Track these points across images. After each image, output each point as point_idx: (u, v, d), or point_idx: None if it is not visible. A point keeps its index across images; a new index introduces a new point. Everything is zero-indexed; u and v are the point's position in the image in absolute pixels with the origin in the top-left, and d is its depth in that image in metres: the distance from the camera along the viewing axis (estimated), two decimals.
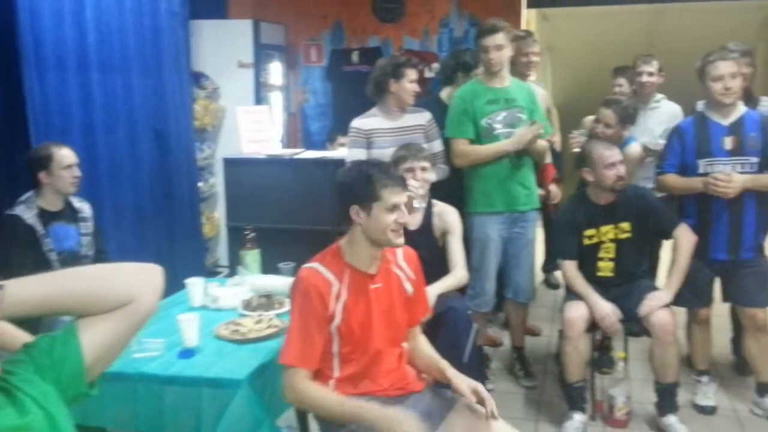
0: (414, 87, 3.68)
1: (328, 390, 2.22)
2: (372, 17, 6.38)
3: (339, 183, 2.29)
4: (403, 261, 2.41)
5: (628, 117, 3.70)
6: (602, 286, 3.34)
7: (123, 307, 1.29)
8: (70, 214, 3.29)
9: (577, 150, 3.97)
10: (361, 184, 2.23)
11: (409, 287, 2.39)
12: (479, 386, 2.22)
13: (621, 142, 3.65)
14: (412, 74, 3.66)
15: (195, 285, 2.96)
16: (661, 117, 4.08)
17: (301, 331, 2.17)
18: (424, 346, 2.47)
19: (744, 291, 3.37)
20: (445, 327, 2.95)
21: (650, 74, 4.13)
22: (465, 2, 6.20)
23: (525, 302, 3.83)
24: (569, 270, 3.38)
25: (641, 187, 3.65)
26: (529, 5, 6.17)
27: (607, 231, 3.35)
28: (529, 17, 6.63)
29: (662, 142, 3.75)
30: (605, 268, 3.40)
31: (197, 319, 2.50)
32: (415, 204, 3.22)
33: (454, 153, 3.62)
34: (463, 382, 2.24)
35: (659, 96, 4.21)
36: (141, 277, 1.35)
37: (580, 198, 3.43)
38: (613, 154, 3.29)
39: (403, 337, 2.41)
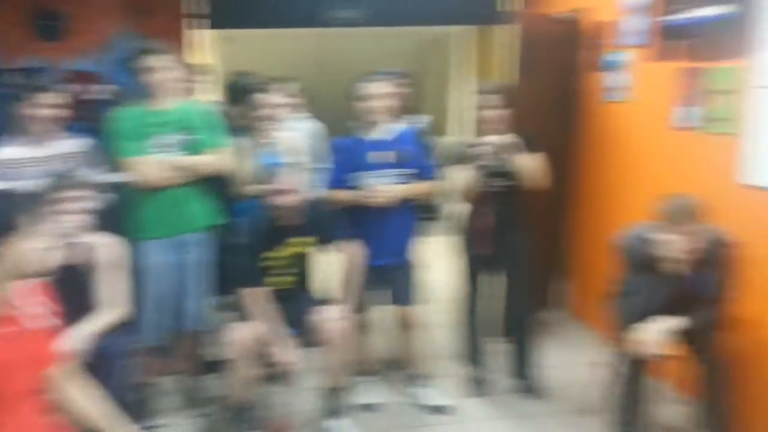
0: (45, 112, 3.44)
1: None
2: (29, 35, 5.89)
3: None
4: (27, 297, 2.25)
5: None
6: (277, 298, 3.41)
7: None
8: None
9: None
10: (36, 213, 2.15)
11: (40, 321, 2.25)
12: None
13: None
14: (42, 98, 3.43)
15: None
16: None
17: None
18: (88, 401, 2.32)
19: (395, 292, 3.71)
20: (99, 367, 2.80)
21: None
22: (131, 23, 6.01)
23: (197, 330, 3.72)
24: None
25: (316, 198, 3.72)
26: (197, 26, 6.15)
27: (295, 244, 3.45)
28: (201, 38, 6.61)
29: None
30: (283, 282, 3.48)
31: None
32: (72, 240, 3.04)
33: (141, 171, 3.44)
34: None
35: (298, 117, 4.56)
36: None
37: (267, 220, 3.43)
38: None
39: (40, 379, 2.24)
